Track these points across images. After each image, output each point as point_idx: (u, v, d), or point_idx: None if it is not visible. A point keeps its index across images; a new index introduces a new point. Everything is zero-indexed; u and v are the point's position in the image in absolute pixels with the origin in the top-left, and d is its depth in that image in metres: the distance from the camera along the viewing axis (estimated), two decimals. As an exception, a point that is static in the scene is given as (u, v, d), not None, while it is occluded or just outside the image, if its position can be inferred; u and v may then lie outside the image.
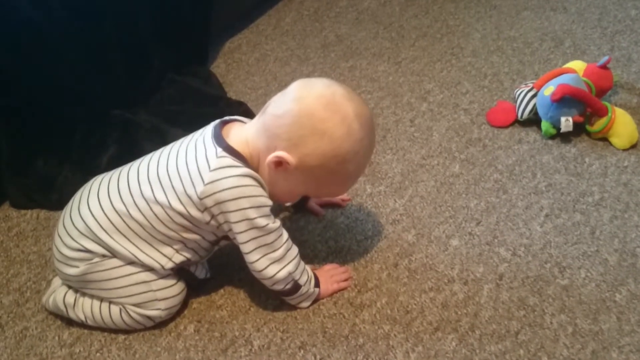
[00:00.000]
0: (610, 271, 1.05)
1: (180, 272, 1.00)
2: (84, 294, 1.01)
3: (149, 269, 0.96)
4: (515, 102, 1.39)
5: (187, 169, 0.92)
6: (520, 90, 1.39)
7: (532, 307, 1.00)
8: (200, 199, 0.91)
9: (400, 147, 1.35)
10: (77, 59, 1.28)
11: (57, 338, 1.02)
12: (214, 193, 0.91)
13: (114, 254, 0.95)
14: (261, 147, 0.93)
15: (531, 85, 1.38)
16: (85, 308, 1.00)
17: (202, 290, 1.07)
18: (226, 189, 0.90)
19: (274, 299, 1.03)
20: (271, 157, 0.92)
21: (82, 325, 1.02)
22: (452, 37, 1.70)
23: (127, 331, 1.01)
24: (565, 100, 1.27)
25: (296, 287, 0.99)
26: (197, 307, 1.05)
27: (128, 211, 0.94)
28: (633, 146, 1.29)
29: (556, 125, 1.30)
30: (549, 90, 1.30)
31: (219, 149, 0.92)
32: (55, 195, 1.25)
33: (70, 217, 0.97)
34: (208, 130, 0.96)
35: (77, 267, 0.96)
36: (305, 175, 0.94)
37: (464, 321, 0.99)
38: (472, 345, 0.96)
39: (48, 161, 1.28)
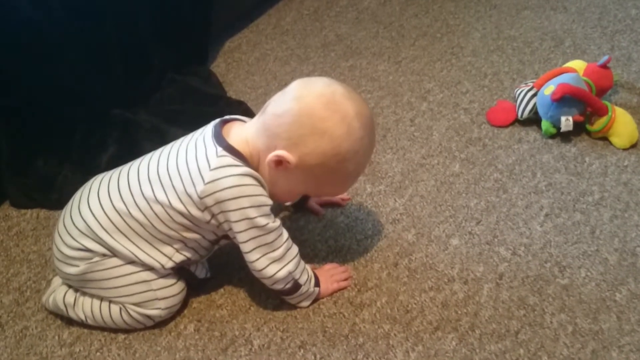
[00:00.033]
0: (611, 270, 1.05)
1: (180, 271, 1.00)
2: (84, 294, 1.01)
3: (149, 268, 0.96)
4: (516, 101, 1.39)
5: (188, 168, 0.92)
6: (521, 90, 1.39)
7: (532, 307, 1.00)
8: (201, 198, 0.91)
9: (401, 146, 1.35)
10: (77, 59, 1.27)
11: (57, 337, 1.02)
12: (214, 192, 0.91)
13: (114, 253, 0.95)
14: (261, 146, 0.93)
15: (531, 84, 1.38)
16: (85, 307, 1.00)
17: (202, 290, 1.07)
18: (226, 188, 0.90)
19: (274, 298, 1.03)
20: (271, 156, 0.92)
21: (82, 324, 1.02)
22: (452, 36, 1.70)
23: (127, 330, 1.01)
24: (566, 99, 1.27)
25: (296, 286, 0.99)
26: (197, 306, 1.05)
27: (128, 210, 0.94)
28: (633, 146, 1.29)
29: (556, 124, 1.30)
30: (549, 89, 1.30)
31: (219, 148, 0.92)
32: (55, 195, 1.25)
33: (71, 216, 0.97)
34: (208, 129, 0.96)
35: (77, 266, 0.96)
36: (305, 174, 0.94)
37: (464, 320, 0.99)
38: (472, 344, 0.96)
39: (48, 161, 1.28)
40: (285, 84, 0.97)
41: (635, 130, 1.29)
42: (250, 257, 0.95)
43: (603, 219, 1.14)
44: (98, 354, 0.99)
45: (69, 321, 1.04)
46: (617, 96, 1.42)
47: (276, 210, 1.05)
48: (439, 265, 1.08)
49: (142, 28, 1.42)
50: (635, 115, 1.32)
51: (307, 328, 1.00)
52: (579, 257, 1.08)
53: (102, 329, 1.02)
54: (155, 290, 0.97)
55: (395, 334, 0.98)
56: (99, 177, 1.01)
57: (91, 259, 0.95)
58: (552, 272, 1.05)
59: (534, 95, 1.35)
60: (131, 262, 0.96)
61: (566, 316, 0.98)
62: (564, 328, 0.97)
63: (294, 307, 1.03)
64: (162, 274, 0.97)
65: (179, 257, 0.97)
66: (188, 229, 0.95)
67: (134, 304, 0.98)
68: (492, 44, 1.64)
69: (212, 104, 1.44)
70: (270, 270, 0.96)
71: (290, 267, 0.97)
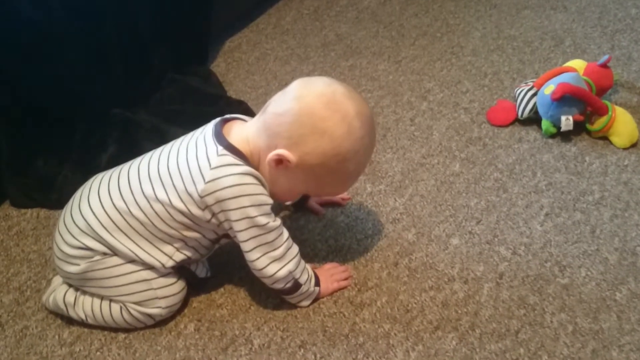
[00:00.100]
0: (611, 270, 1.05)
1: (180, 270, 1.00)
2: (84, 293, 1.01)
3: (149, 267, 0.96)
4: (516, 101, 1.39)
5: (188, 167, 0.93)
6: (521, 89, 1.39)
7: (532, 306, 1.00)
8: (201, 197, 0.91)
9: (401, 146, 1.35)
10: (77, 59, 1.27)
11: (57, 337, 1.02)
12: (215, 191, 0.91)
13: (114, 252, 0.95)
14: (262, 145, 0.93)
15: (531, 84, 1.38)
16: (85, 307, 1.00)
17: (203, 289, 1.07)
18: (227, 187, 0.90)
19: (274, 297, 1.03)
20: (272, 155, 0.92)
21: (82, 324, 1.02)
22: (452, 36, 1.70)
23: (128, 330, 1.01)
24: (566, 99, 1.27)
25: (296, 285, 0.99)
26: (197, 305, 1.05)
27: (129, 209, 0.94)
28: (633, 145, 1.29)
29: (556, 124, 1.30)
30: (549, 89, 1.30)
31: (220, 147, 0.92)
32: (55, 194, 1.25)
33: (71, 214, 0.98)
34: (209, 128, 0.97)
35: (78, 265, 0.96)
36: (305, 174, 0.94)
37: (464, 320, 0.99)
38: (472, 344, 0.96)
39: (48, 161, 1.28)
40: (286, 84, 0.97)
41: (635, 129, 1.29)
42: (250, 257, 0.95)
43: (603, 218, 1.14)
44: (98, 353, 0.99)
45: (69, 320, 1.03)
46: (617, 95, 1.42)
47: (276, 209, 1.05)
48: (439, 264, 1.08)
49: (142, 28, 1.42)
50: (635, 115, 1.33)
51: (308, 327, 1.00)
52: (579, 256, 1.08)
53: (103, 328, 1.02)
54: (155, 289, 0.97)
55: (395, 334, 0.98)
56: (99, 175, 1.01)
57: (92, 257, 0.96)
58: (552, 272, 1.05)
59: (534, 94, 1.35)
60: (131, 261, 0.96)
61: (566, 315, 0.98)
62: (564, 327, 0.97)
63: (294, 306, 1.03)
64: (163, 273, 0.97)
65: (179, 256, 0.97)
66: (188, 227, 0.95)
67: (135, 303, 0.98)
68: (492, 44, 1.64)
69: (212, 104, 1.44)
70: (271, 269, 0.96)
71: (290, 266, 0.97)
